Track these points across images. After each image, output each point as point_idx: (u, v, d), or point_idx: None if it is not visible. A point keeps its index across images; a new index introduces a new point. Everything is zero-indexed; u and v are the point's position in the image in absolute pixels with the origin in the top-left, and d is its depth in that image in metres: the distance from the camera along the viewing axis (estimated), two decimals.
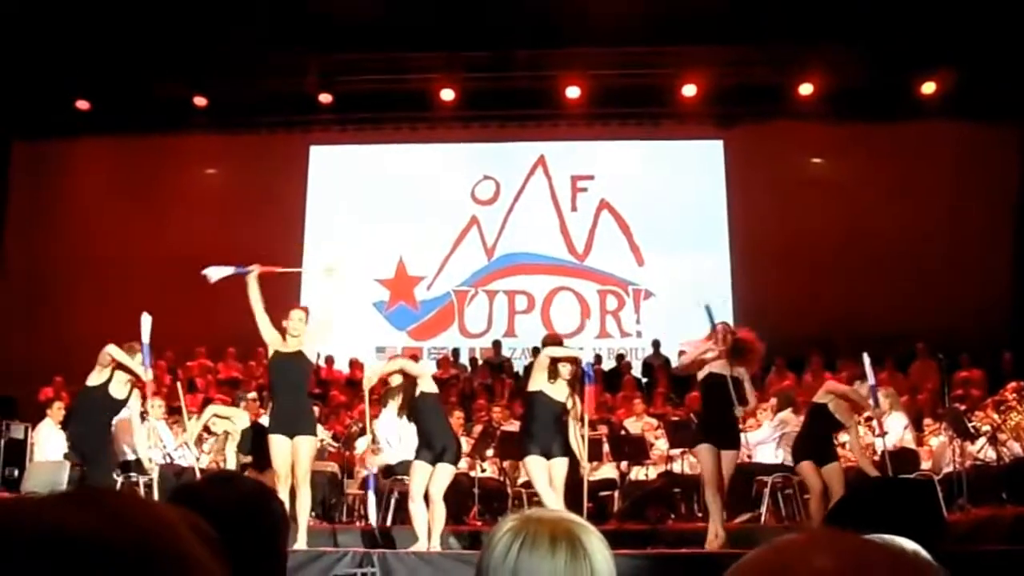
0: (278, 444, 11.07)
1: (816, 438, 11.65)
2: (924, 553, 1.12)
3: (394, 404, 13.33)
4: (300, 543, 10.56)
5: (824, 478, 11.37)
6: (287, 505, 10.49)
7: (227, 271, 11.67)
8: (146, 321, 12.01)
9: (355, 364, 20.56)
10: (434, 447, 11.11)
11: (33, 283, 19.26)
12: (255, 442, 12.97)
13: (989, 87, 20.00)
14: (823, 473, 11.39)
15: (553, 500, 10.84)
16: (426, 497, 11.01)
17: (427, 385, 11.39)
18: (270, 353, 11.30)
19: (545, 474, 10.97)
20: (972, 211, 21.00)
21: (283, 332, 11.12)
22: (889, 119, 21.33)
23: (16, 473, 14.09)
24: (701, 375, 11.43)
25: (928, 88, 20.79)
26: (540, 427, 11.15)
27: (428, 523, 11.00)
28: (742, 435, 12.72)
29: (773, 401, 14.85)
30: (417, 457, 11.26)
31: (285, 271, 11.80)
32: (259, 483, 2.69)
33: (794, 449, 12.40)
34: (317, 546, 10.89)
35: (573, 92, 21.60)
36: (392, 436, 13.47)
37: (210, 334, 20.45)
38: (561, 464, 11.09)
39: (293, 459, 11.05)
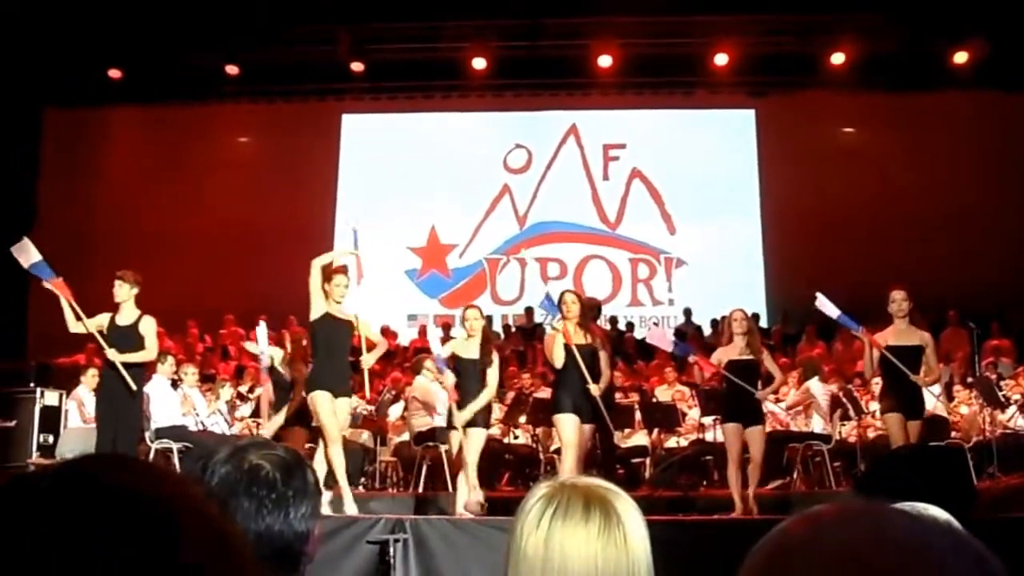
0: (323, 400, 10.64)
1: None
2: (956, 524, 1.11)
3: (427, 371, 13.41)
4: (347, 507, 10.53)
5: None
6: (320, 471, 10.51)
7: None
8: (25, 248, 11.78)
9: (387, 332, 20.64)
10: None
11: (65, 250, 19.26)
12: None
13: (1021, 57, 19.86)
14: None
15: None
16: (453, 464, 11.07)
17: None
18: (314, 315, 10.84)
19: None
20: (1002, 181, 20.90)
21: (326, 294, 10.97)
22: (921, 89, 21.23)
23: (51, 439, 14.21)
24: (722, 363, 11.57)
25: (960, 58, 20.63)
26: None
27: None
28: (774, 406, 12.92)
29: (793, 372, 14.81)
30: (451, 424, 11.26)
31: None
32: (294, 450, 2.70)
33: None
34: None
35: (605, 61, 21.51)
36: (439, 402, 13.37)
37: (241, 302, 20.55)
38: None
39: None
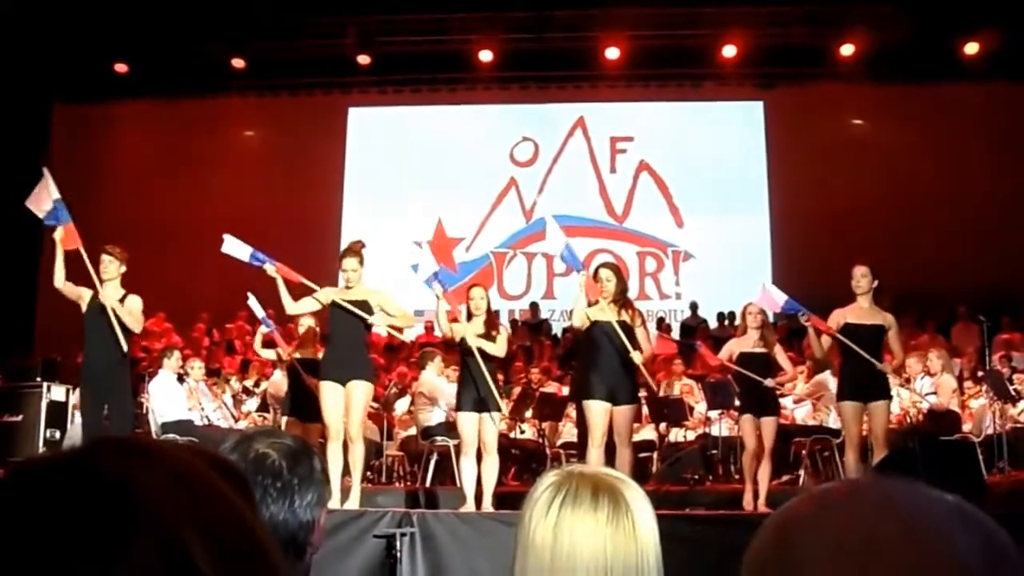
0: (329, 391, 10.30)
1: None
2: (965, 502, 1.09)
3: (432, 366, 13.34)
4: (353, 502, 10.32)
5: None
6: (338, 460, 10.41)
7: (244, 252, 11.39)
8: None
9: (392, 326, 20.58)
10: (477, 396, 10.72)
11: None
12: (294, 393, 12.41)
13: None
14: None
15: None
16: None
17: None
18: (328, 304, 10.54)
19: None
20: (1014, 174, 20.79)
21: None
22: (931, 80, 21.18)
23: (58, 435, 14.17)
24: (734, 355, 11.55)
25: (971, 49, 20.56)
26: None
27: (478, 479, 10.70)
28: (782, 399, 12.85)
29: (803, 366, 14.72)
30: (460, 408, 10.89)
31: (304, 283, 11.13)
32: (301, 439, 2.72)
33: None
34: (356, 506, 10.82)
35: (612, 53, 21.48)
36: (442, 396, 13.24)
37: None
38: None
39: (346, 408, 10.31)
